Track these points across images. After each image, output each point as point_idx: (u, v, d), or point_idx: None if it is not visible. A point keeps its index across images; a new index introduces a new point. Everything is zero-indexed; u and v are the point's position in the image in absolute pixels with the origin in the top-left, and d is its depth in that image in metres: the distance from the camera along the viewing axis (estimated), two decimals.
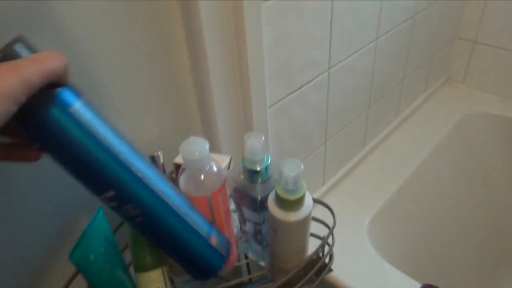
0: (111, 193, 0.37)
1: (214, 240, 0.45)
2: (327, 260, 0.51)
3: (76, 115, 0.34)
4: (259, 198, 0.47)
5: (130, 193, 0.38)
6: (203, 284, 0.57)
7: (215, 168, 0.46)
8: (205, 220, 0.45)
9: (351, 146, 0.99)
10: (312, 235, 0.52)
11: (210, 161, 0.45)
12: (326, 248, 0.51)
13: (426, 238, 1.04)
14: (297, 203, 0.43)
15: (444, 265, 1.09)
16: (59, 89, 0.33)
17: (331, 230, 0.50)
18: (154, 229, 0.42)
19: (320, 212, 0.55)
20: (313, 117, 0.79)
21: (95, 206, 0.50)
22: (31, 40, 0.33)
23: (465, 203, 1.16)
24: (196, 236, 0.44)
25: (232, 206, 0.54)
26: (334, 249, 0.54)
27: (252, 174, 0.46)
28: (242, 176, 0.48)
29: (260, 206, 0.48)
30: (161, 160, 0.52)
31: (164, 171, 0.53)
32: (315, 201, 0.48)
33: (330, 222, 0.52)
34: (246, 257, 0.60)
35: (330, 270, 0.53)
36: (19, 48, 0.32)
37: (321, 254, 0.51)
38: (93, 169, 0.36)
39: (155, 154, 0.52)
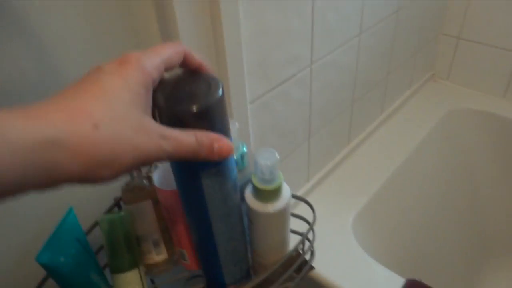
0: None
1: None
2: (308, 256, 0.50)
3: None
4: None
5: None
6: (184, 285, 0.56)
7: None
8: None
9: (335, 143, 0.98)
10: (293, 231, 0.51)
11: None
12: (307, 245, 0.50)
13: (411, 234, 1.04)
14: (274, 194, 0.41)
15: (428, 260, 1.09)
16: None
17: (311, 226, 0.49)
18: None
19: (302, 209, 0.54)
20: (296, 113, 0.78)
21: (66, 207, 0.48)
22: None
23: (449, 199, 1.16)
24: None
25: None
26: (319, 246, 0.53)
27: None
28: None
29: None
30: None
31: (140, 170, 0.51)
32: (294, 197, 0.47)
33: (310, 219, 0.51)
34: None
35: (312, 267, 0.52)
36: None
37: (301, 251, 0.50)
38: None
39: None
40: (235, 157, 0.43)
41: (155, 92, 0.31)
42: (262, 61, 0.64)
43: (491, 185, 1.22)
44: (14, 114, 0.23)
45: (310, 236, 0.50)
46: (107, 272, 0.51)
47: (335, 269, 0.77)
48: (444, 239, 1.14)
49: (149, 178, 0.52)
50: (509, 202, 1.22)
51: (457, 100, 1.22)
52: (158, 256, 0.51)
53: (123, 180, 0.52)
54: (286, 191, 0.43)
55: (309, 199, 0.92)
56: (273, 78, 0.68)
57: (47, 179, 0.24)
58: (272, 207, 0.41)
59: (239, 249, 0.46)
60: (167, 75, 0.33)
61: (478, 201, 1.24)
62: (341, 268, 0.78)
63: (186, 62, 0.33)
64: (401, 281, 0.73)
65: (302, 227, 0.52)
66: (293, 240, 0.49)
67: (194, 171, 0.36)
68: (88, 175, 0.25)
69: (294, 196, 0.46)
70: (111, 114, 0.25)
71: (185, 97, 0.32)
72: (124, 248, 0.49)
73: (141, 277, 0.49)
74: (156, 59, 0.30)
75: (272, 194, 0.41)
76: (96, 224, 0.51)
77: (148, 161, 0.28)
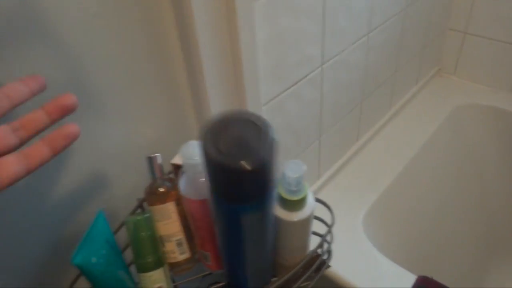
0: None
1: None
2: (325, 256, 0.52)
3: None
4: None
5: None
6: (201, 283, 0.58)
7: None
8: None
9: (345, 140, 0.99)
10: (313, 233, 0.53)
11: None
12: (326, 246, 0.52)
13: (421, 230, 1.06)
14: (300, 204, 0.43)
15: (438, 256, 1.11)
16: None
17: (330, 228, 0.51)
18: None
19: (318, 208, 0.55)
20: (308, 112, 0.80)
21: (95, 210, 0.51)
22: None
23: (457, 194, 1.18)
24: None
25: None
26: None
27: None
28: None
29: None
30: (159, 161, 0.52)
31: (162, 172, 0.53)
32: (316, 200, 0.49)
33: (328, 219, 0.53)
34: None
35: (328, 266, 0.54)
36: None
37: (320, 252, 0.51)
38: None
39: (153, 155, 0.52)
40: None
41: (203, 136, 0.29)
42: (276, 63, 0.66)
43: (499, 180, 1.24)
44: None
45: (328, 237, 0.51)
46: (132, 269, 0.53)
47: (346, 265, 0.79)
48: (453, 234, 1.16)
49: (171, 180, 0.54)
50: None
51: (464, 95, 1.23)
52: (182, 255, 0.53)
53: (147, 182, 0.54)
54: (311, 200, 0.45)
55: (320, 196, 0.94)
56: (286, 79, 0.70)
57: None
58: (296, 216, 0.43)
59: (267, 265, 0.48)
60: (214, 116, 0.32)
61: (486, 196, 1.25)
62: (352, 264, 0.79)
63: None
64: (412, 278, 0.75)
65: (319, 227, 0.54)
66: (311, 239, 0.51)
67: (235, 212, 0.37)
68: None
69: (316, 200, 0.47)
70: None
71: (237, 148, 0.30)
72: (149, 248, 0.51)
73: (166, 276, 0.51)
74: None
75: (297, 204, 0.43)
76: (122, 225, 0.53)
77: None
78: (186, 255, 0.54)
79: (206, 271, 0.57)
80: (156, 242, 0.51)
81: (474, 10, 1.15)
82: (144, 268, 0.50)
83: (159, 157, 0.52)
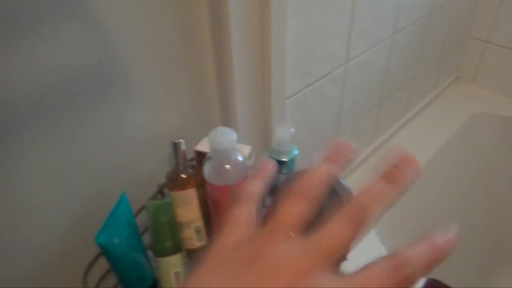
0: None
1: None
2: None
3: None
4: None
5: None
6: None
7: (240, 158, 0.46)
8: None
9: (361, 140, 0.99)
10: None
11: (236, 151, 0.45)
12: None
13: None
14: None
15: (448, 260, 1.10)
16: None
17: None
18: None
19: None
20: (328, 110, 0.80)
21: (118, 191, 0.51)
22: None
23: (469, 201, 1.17)
24: None
25: None
26: None
27: (279, 164, 0.46)
28: None
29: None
30: (183, 147, 0.52)
31: (185, 158, 0.53)
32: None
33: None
34: None
35: (345, 259, 0.54)
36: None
37: None
38: None
39: (177, 141, 0.52)
40: (285, 160, 0.45)
41: None
42: (302, 59, 0.65)
43: (511, 190, 1.23)
44: None
45: None
46: (149, 254, 0.53)
47: (357, 265, 0.78)
48: (463, 240, 1.15)
49: (193, 167, 0.54)
50: None
51: (481, 104, 1.22)
52: (199, 242, 0.53)
53: (169, 167, 0.54)
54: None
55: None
56: (310, 75, 0.70)
57: None
58: None
59: None
60: None
61: (497, 204, 1.24)
62: (363, 265, 0.79)
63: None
64: (421, 279, 0.75)
65: None
66: None
67: None
68: None
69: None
70: None
71: None
72: (168, 233, 0.51)
73: (183, 261, 0.51)
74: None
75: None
76: (142, 208, 0.53)
77: None
78: (203, 242, 0.54)
79: None
80: (175, 227, 0.52)
81: (497, 20, 1.14)
82: (162, 253, 0.50)
83: (183, 143, 0.52)
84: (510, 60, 1.17)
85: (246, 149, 0.55)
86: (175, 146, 0.52)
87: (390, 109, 1.02)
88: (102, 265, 0.48)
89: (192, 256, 0.54)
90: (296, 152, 0.46)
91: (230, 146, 0.43)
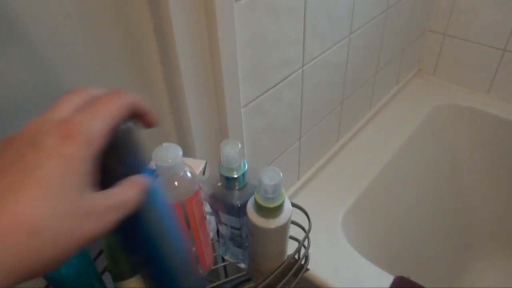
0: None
1: None
2: (303, 261, 0.52)
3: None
4: (237, 204, 0.47)
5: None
6: None
7: (189, 174, 0.45)
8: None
9: (325, 141, 0.99)
10: (289, 237, 0.52)
11: (183, 167, 0.44)
12: (303, 250, 0.52)
13: (399, 230, 1.07)
14: (276, 210, 0.43)
15: (416, 254, 1.12)
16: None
17: (307, 234, 0.50)
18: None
19: (296, 212, 0.55)
20: (288, 114, 0.79)
21: None
22: None
23: (436, 193, 1.20)
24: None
25: (208, 208, 0.53)
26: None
27: (229, 181, 0.45)
28: (219, 183, 0.47)
29: (238, 212, 0.47)
30: None
31: None
32: (293, 205, 0.48)
33: (305, 224, 0.52)
34: (223, 260, 0.60)
35: (307, 270, 0.53)
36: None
37: (297, 257, 0.51)
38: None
39: None
40: (236, 176, 0.44)
41: None
42: (256, 65, 0.64)
43: (476, 179, 1.26)
44: None
45: (305, 243, 0.51)
46: (106, 277, 0.52)
47: (324, 266, 0.79)
48: (431, 233, 1.18)
49: None
50: (493, 195, 1.27)
51: (443, 96, 1.24)
52: None
53: None
54: (288, 206, 0.44)
55: (299, 197, 0.94)
56: (266, 81, 0.69)
57: None
58: (273, 223, 0.43)
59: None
60: None
61: (463, 195, 1.27)
62: (330, 265, 0.80)
63: (135, 114, 0.29)
64: (390, 278, 0.76)
65: (297, 230, 0.54)
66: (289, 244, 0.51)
67: None
68: (26, 280, 0.23)
69: (293, 205, 0.47)
70: (52, 212, 0.22)
71: None
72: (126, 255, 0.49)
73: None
74: (103, 125, 0.25)
75: (274, 211, 0.42)
76: None
77: (95, 240, 0.25)
78: None
79: None
80: None
81: (454, 12, 1.16)
82: (119, 276, 0.49)
83: None
84: (468, 51, 1.19)
85: (200, 164, 0.54)
86: None
87: (353, 107, 1.03)
88: None
89: None
90: (246, 167, 0.45)
91: (175, 162, 0.42)
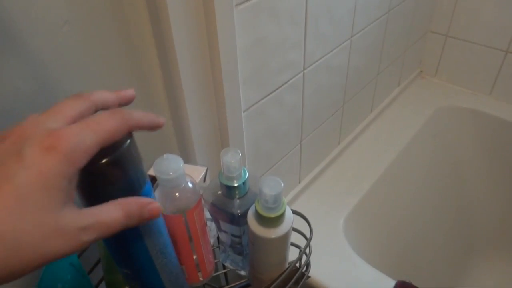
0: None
1: None
2: (304, 269, 0.51)
3: None
4: (238, 213, 0.46)
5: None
6: None
7: (190, 185, 0.44)
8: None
9: (326, 144, 0.99)
10: (291, 244, 0.52)
11: (185, 178, 0.43)
12: (304, 258, 0.51)
13: (401, 233, 1.06)
14: (277, 220, 0.42)
15: (417, 259, 1.11)
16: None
17: (308, 242, 0.50)
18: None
19: (298, 218, 0.54)
20: (289, 117, 0.79)
21: None
22: None
23: (438, 195, 1.19)
24: None
25: (208, 214, 0.53)
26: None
27: (229, 190, 0.45)
28: (219, 192, 0.46)
29: (239, 220, 0.47)
30: None
31: None
32: (294, 212, 0.48)
33: (306, 230, 0.52)
34: (224, 267, 0.59)
35: (308, 277, 0.53)
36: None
37: (298, 265, 0.50)
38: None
39: None
40: (237, 185, 0.43)
41: None
42: (256, 70, 0.64)
43: (478, 181, 1.25)
44: None
45: (307, 250, 0.51)
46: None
47: (325, 271, 0.78)
48: (432, 236, 1.17)
49: None
50: (495, 197, 1.26)
51: (445, 97, 1.23)
52: None
53: None
54: (289, 215, 0.44)
55: (300, 200, 0.94)
56: (267, 85, 0.68)
57: None
58: (274, 233, 0.42)
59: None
60: None
61: (465, 198, 1.27)
62: (331, 270, 0.79)
63: (136, 128, 0.30)
64: (391, 282, 0.75)
65: (298, 237, 0.53)
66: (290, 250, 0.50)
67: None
68: None
69: (294, 213, 0.46)
70: (19, 225, 0.22)
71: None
72: None
73: None
74: (93, 142, 0.25)
75: (275, 221, 0.42)
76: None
77: (62, 258, 0.25)
78: None
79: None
80: None
81: (456, 14, 1.15)
82: (115, 285, 0.48)
83: None
84: (470, 52, 1.19)
85: (201, 171, 0.53)
86: None
87: (354, 110, 1.02)
88: None
89: None
90: (246, 176, 0.44)
91: (177, 175, 0.41)
